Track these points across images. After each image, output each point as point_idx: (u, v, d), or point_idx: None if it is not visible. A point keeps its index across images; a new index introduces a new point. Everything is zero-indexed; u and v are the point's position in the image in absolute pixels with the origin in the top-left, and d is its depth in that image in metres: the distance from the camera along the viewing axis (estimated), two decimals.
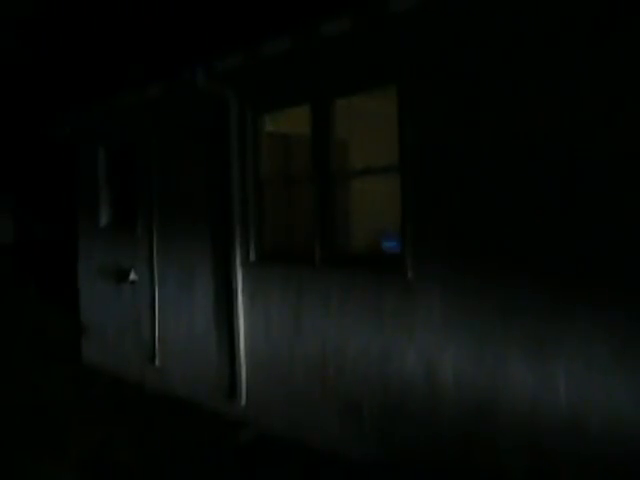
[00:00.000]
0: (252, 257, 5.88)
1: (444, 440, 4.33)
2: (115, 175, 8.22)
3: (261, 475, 4.82)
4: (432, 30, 4.38)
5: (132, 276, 7.51)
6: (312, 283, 5.28)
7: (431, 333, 4.37)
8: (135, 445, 5.50)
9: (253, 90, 5.85)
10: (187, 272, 6.72)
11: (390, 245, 6.09)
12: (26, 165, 14.76)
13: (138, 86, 7.04)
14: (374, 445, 4.79)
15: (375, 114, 5.91)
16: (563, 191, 3.72)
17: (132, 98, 7.21)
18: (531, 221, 3.87)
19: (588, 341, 3.61)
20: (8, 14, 13.39)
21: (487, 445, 4.10)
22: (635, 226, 3.44)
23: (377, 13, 4.50)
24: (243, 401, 5.93)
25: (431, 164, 4.42)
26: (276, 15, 5.59)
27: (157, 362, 7.16)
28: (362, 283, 4.88)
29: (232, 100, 5.94)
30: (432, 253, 4.39)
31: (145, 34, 9.75)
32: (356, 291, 4.91)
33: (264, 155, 5.92)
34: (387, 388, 4.66)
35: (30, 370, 8.29)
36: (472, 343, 4.16)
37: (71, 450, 5.40)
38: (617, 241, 3.51)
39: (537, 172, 3.84)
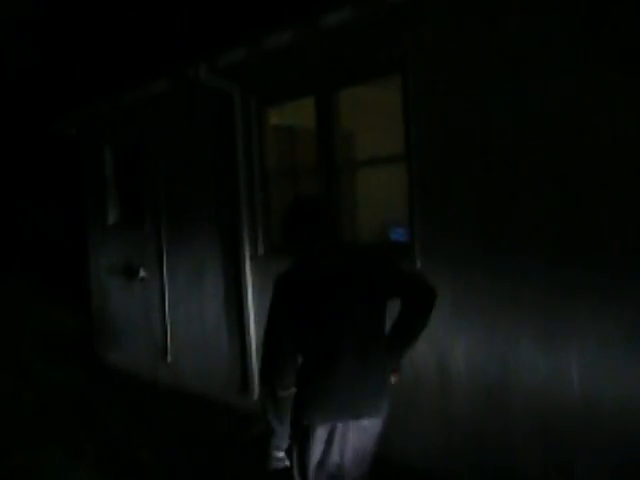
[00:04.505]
0: (260, 251, 5.89)
1: (456, 428, 4.34)
2: (122, 173, 8.23)
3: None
4: (435, 18, 4.36)
5: (142, 273, 7.53)
6: None
7: (442, 321, 4.36)
8: (149, 439, 5.54)
9: (257, 84, 5.84)
10: (196, 268, 6.73)
11: (398, 235, 6.07)
12: (34, 164, 14.81)
13: (142, 84, 7.03)
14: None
15: (380, 104, 5.89)
16: (570, 177, 3.71)
17: (137, 96, 7.21)
18: (540, 204, 3.86)
19: (601, 323, 3.60)
20: (13, 13, 13.41)
21: (500, 432, 4.10)
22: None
23: (378, 2, 4.48)
24: (255, 395, 5.95)
25: (437, 151, 4.41)
26: (277, 8, 5.57)
27: (169, 358, 7.19)
28: None
29: (236, 94, 5.93)
30: (441, 241, 4.38)
31: (148, 32, 9.74)
32: None
33: (270, 148, 5.92)
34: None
35: (43, 367, 8.35)
36: (483, 330, 4.16)
37: (87, 445, 5.44)
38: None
39: (548, 153, 3.82)
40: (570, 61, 3.67)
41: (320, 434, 2.78)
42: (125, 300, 8.00)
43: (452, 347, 4.33)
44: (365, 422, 2.85)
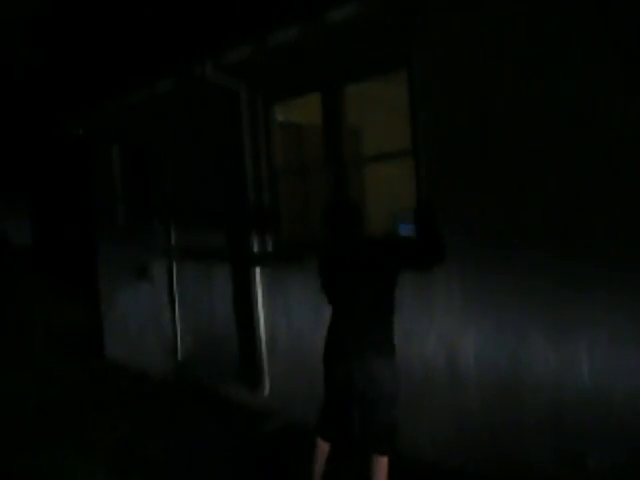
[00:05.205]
0: (269, 247, 5.89)
1: (467, 422, 4.34)
2: (130, 173, 8.25)
3: (287, 465, 4.84)
4: (440, 13, 4.35)
5: (151, 272, 7.56)
6: None
7: (451, 315, 4.37)
8: (160, 437, 5.56)
9: (263, 81, 5.84)
10: (205, 266, 6.74)
11: (406, 230, 6.06)
12: (42, 166, 14.88)
13: (148, 83, 7.04)
14: None
15: (387, 99, 5.88)
16: (581, 172, 3.71)
17: (143, 95, 7.22)
18: (550, 198, 3.85)
19: (613, 316, 3.59)
20: (19, 13, 13.45)
21: (511, 426, 4.10)
22: None
23: None
24: (266, 392, 5.97)
25: (445, 146, 4.40)
26: (283, 4, 5.56)
27: (179, 355, 7.22)
28: None
29: (242, 92, 5.93)
30: (449, 236, 4.36)
31: (154, 31, 9.76)
32: None
33: (276, 146, 5.92)
34: (408, 373, 4.65)
35: (53, 366, 8.40)
36: (493, 324, 4.15)
37: (97, 443, 5.47)
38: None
39: (559, 148, 3.81)
40: (575, 57, 3.66)
41: (336, 373, 3.78)
42: (135, 299, 8.02)
43: (462, 341, 4.33)
44: (367, 372, 3.67)
